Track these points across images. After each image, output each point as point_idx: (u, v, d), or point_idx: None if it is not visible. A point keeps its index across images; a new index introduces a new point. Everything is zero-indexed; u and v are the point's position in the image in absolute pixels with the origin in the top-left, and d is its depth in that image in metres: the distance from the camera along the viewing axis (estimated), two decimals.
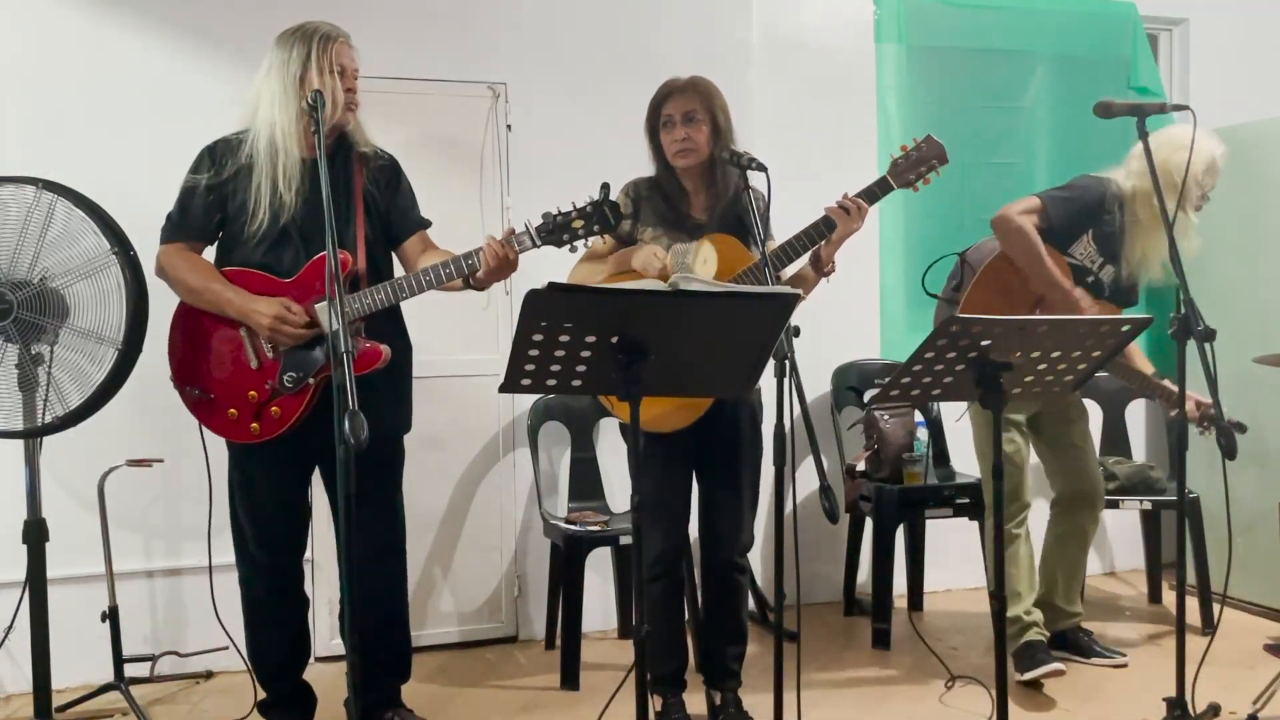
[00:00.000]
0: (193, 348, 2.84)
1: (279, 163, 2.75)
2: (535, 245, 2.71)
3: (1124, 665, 3.55)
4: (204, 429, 2.88)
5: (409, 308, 3.02)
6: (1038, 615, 3.47)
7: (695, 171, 3.00)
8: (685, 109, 2.94)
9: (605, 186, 2.68)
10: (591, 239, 2.73)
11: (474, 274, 2.73)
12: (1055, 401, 3.35)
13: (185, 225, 2.86)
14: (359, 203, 2.87)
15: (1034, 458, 3.62)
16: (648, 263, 2.89)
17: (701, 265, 2.84)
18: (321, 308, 2.75)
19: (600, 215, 2.68)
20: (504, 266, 2.72)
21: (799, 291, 2.35)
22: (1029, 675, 3.32)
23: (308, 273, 2.78)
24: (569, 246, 2.70)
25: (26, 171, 2.91)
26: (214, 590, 3.26)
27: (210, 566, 3.23)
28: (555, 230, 2.69)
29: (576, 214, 2.68)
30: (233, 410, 2.80)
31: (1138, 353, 3.46)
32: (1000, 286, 3.30)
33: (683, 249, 2.88)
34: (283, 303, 2.74)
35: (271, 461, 2.86)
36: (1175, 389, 3.00)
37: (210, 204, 2.83)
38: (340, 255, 2.71)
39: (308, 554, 3.14)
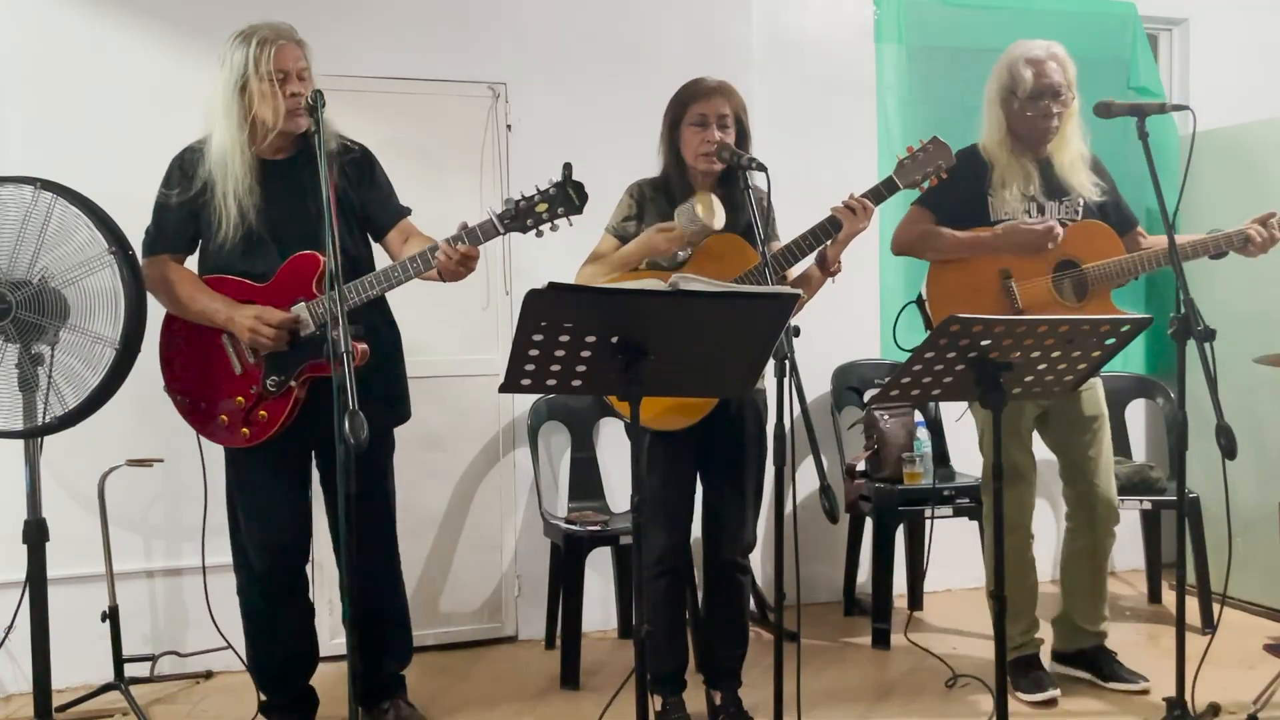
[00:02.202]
0: (180, 357, 2.86)
1: (229, 175, 2.76)
2: (500, 232, 2.68)
3: (1146, 692, 3.29)
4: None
5: (409, 307, 3.02)
6: (1035, 634, 3.38)
7: (711, 171, 2.98)
8: (720, 111, 2.92)
9: (567, 166, 2.63)
10: (557, 222, 2.66)
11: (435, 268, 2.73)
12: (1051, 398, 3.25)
13: (163, 239, 2.89)
14: (332, 202, 2.87)
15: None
16: (657, 246, 2.85)
17: (708, 214, 2.78)
18: (299, 308, 2.77)
19: (564, 197, 2.62)
20: (464, 263, 2.69)
21: (799, 292, 2.35)
22: (1024, 698, 3.28)
23: (283, 275, 2.79)
24: (535, 232, 2.66)
25: (28, 171, 2.91)
26: (208, 593, 3.25)
27: (204, 566, 3.22)
28: (519, 215, 2.65)
29: (540, 197, 2.64)
30: (223, 416, 2.84)
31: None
32: (952, 293, 3.23)
33: (685, 209, 2.82)
34: (259, 310, 2.74)
35: (271, 461, 2.87)
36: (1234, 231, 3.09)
37: (184, 218, 2.86)
38: (311, 255, 2.72)
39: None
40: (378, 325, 2.93)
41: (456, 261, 2.68)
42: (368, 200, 2.95)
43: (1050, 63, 3.21)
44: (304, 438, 2.83)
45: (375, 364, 2.83)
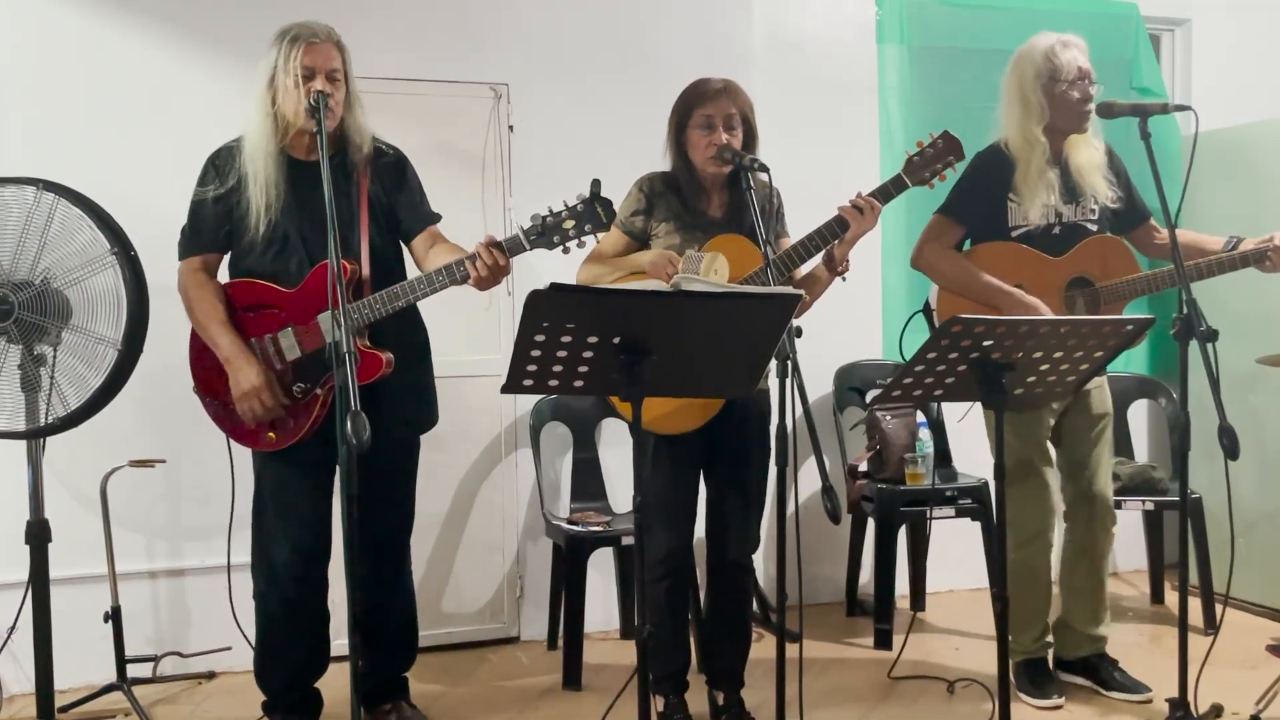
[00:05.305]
0: (210, 359, 2.86)
1: (259, 172, 2.77)
2: (525, 248, 2.67)
3: (1148, 702, 3.24)
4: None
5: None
6: (1045, 641, 3.37)
7: (720, 173, 2.97)
8: (727, 112, 2.91)
9: (596, 183, 2.61)
10: (584, 239, 2.64)
11: (465, 281, 2.70)
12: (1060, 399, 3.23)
13: (197, 239, 2.90)
14: (363, 206, 2.87)
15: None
16: (658, 265, 2.86)
17: (713, 277, 2.81)
18: (324, 318, 2.77)
19: (591, 214, 2.60)
20: (495, 273, 2.67)
21: (800, 292, 2.34)
22: (1029, 702, 3.27)
23: (310, 283, 2.79)
24: (561, 248, 2.64)
25: (31, 172, 2.91)
26: (221, 592, 3.27)
27: (229, 565, 3.23)
28: (545, 232, 2.63)
29: (567, 213, 2.61)
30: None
31: (1195, 241, 3.25)
32: (963, 308, 3.17)
33: (695, 258, 2.84)
34: (269, 384, 2.75)
35: (299, 466, 2.88)
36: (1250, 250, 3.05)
37: (218, 215, 2.86)
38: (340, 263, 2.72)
39: None
40: (407, 332, 2.94)
41: (491, 270, 2.65)
42: (398, 203, 2.95)
43: (1078, 48, 3.20)
44: (330, 445, 2.82)
45: (404, 371, 2.85)
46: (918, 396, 2.60)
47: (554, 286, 2.10)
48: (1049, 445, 3.32)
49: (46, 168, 2.96)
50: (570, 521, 3.76)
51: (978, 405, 2.86)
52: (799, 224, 3.02)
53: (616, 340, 2.20)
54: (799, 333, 2.41)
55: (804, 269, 2.99)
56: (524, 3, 3.97)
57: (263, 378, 2.75)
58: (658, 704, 3.05)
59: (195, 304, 2.85)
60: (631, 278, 2.95)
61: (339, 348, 2.31)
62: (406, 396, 2.93)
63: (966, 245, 3.33)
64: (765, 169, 2.78)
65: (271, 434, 2.83)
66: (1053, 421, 3.31)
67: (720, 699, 3.13)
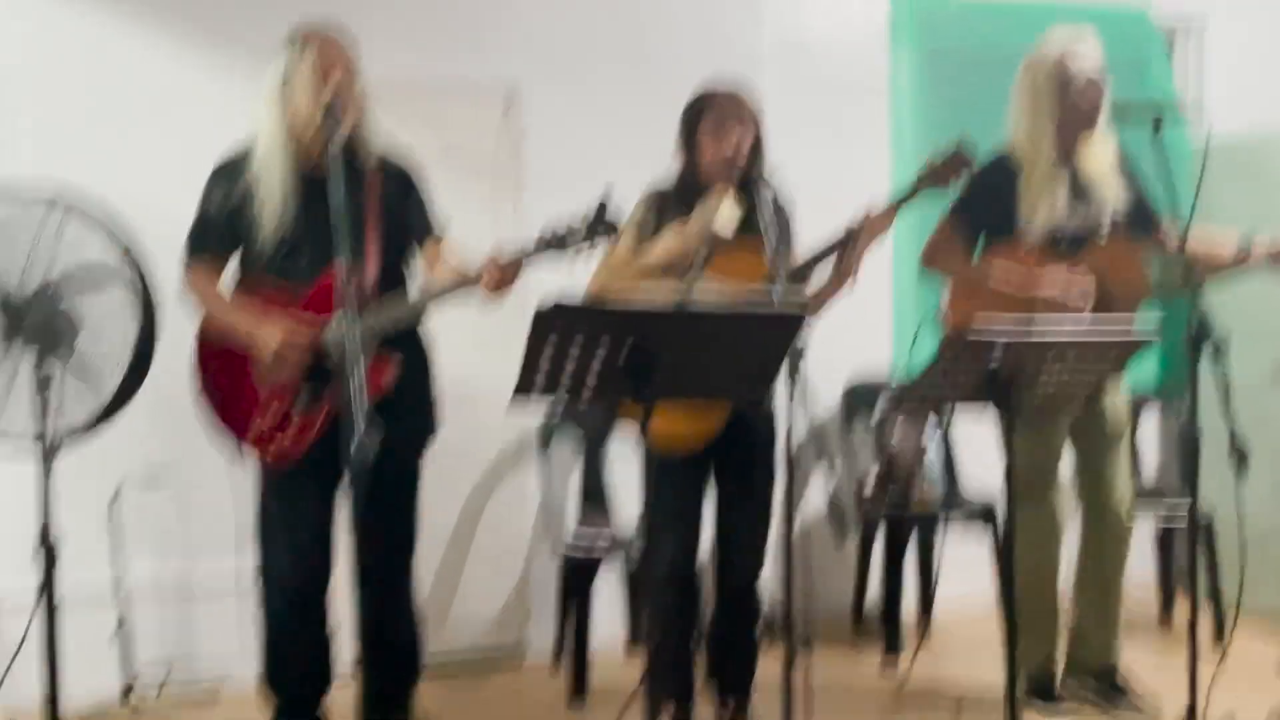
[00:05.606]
0: (213, 369, 2.86)
1: (271, 176, 2.76)
2: (533, 262, 2.67)
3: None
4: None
5: None
6: (1053, 659, 3.35)
7: (729, 182, 2.94)
8: (737, 117, 2.90)
9: (604, 194, 2.61)
10: (592, 252, 2.65)
11: (472, 292, 2.70)
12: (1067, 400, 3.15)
13: (204, 243, 2.89)
14: (371, 214, 2.86)
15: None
16: (686, 251, 2.82)
17: (721, 209, 2.76)
18: (329, 327, 2.76)
19: (599, 227, 2.60)
20: (502, 286, 2.67)
21: (805, 300, 2.34)
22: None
23: (321, 288, 2.78)
24: (569, 261, 2.64)
25: (38, 174, 2.91)
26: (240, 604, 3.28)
27: (238, 579, 3.23)
28: (553, 245, 2.63)
29: (575, 226, 2.61)
30: (253, 430, 2.83)
31: (1207, 243, 3.21)
32: (974, 309, 3.18)
33: (707, 209, 2.80)
34: (291, 329, 2.73)
35: (302, 481, 2.87)
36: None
37: (225, 220, 2.85)
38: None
39: None
40: (409, 342, 2.93)
41: (498, 284, 2.66)
42: (407, 212, 2.94)
43: (1090, 48, 3.18)
44: (335, 459, 2.82)
45: (406, 382, 2.83)
46: (924, 408, 2.60)
47: (558, 306, 2.10)
48: (1059, 467, 3.31)
49: (49, 168, 2.95)
50: (577, 536, 3.75)
51: (987, 426, 2.85)
52: (806, 226, 3.00)
53: (625, 353, 2.21)
54: (802, 354, 2.39)
55: (815, 275, 2.97)
56: (535, 6, 3.97)
57: (284, 327, 2.74)
58: (664, 718, 3.04)
59: (204, 295, 2.86)
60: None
61: (347, 352, 2.31)
62: (407, 408, 2.90)
63: (978, 248, 3.33)
64: (769, 183, 2.76)
65: (275, 445, 2.82)
66: (1066, 438, 3.30)
67: (726, 714, 3.12)
